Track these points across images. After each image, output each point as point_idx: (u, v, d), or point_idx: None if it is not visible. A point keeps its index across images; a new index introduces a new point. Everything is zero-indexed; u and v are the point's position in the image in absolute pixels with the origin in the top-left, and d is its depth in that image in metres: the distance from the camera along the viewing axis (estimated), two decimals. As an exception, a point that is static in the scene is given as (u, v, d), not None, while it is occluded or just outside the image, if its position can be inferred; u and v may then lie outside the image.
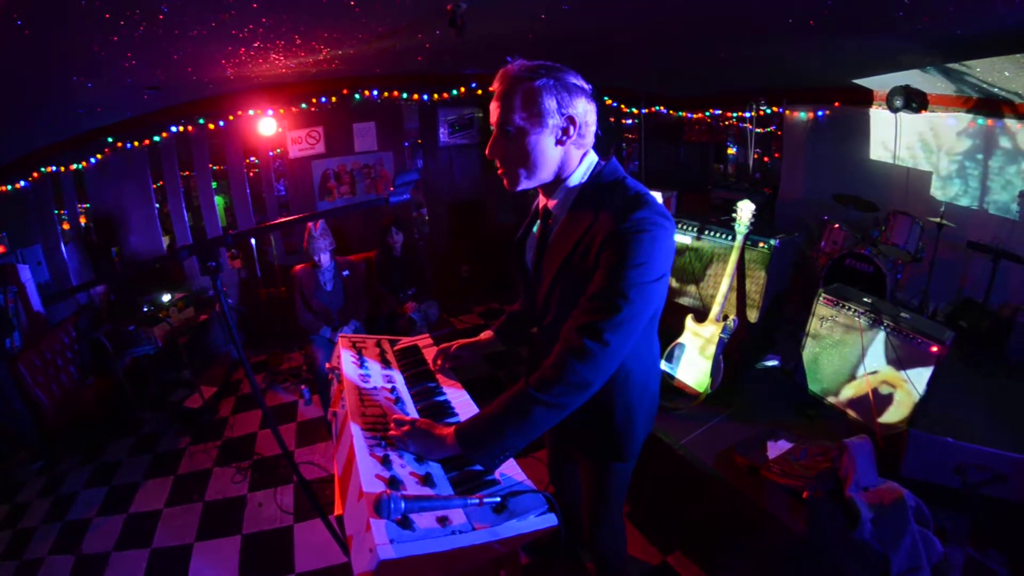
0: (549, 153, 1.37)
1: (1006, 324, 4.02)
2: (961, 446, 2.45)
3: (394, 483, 1.17)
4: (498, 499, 1.16)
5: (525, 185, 1.42)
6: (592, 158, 1.46)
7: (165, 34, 2.98)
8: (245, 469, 3.53)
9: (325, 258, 4.00)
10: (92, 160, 4.83)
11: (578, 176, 1.43)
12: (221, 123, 5.11)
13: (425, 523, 1.07)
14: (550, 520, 1.16)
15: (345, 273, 4.20)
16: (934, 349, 2.79)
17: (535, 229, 1.59)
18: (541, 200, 1.54)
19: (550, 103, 1.31)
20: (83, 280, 4.91)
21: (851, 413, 3.12)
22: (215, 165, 5.56)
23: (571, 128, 1.35)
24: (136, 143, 4.89)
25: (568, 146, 1.39)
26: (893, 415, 2.91)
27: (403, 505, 1.05)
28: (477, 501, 1.14)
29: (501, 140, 1.38)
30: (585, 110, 1.37)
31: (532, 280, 1.59)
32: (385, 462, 1.25)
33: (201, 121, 5.03)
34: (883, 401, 2.97)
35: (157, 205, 5.31)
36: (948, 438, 2.49)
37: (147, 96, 4.28)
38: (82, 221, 5.21)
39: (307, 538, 2.92)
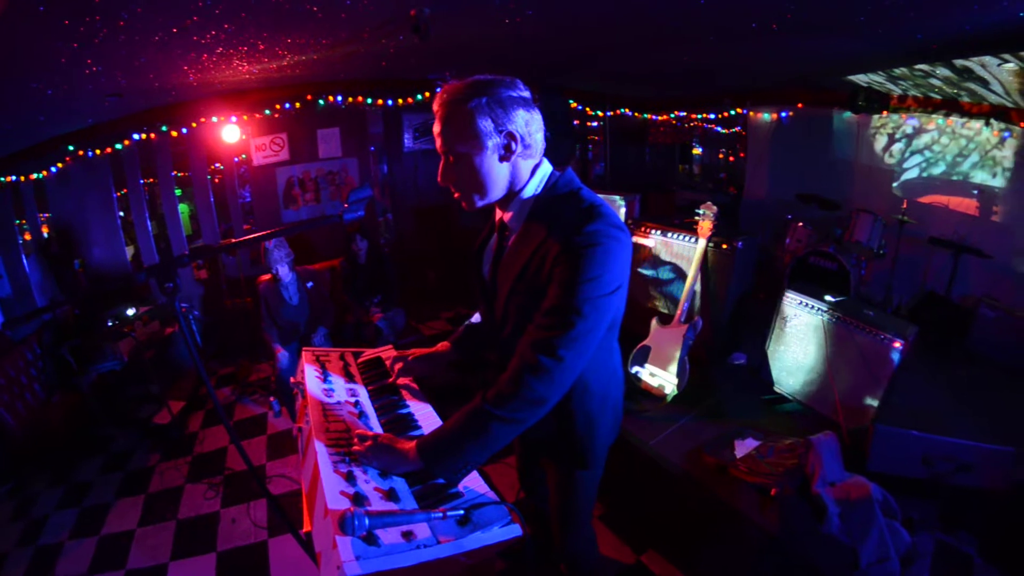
0: (496, 172, 1.36)
1: (968, 316, 4.17)
2: (926, 438, 2.53)
3: (359, 499, 1.16)
4: (462, 512, 1.16)
5: (482, 205, 1.42)
6: (546, 169, 1.45)
7: (126, 40, 2.91)
8: (217, 485, 3.47)
9: (284, 270, 3.93)
10: (53, 169, 4.70)
11: (532, 188, 1.42)
12: (184, 130, 5.02)
13: (390, 538, 1.07)
14: (514, 531, 1.17)
15: (309, 285, 4.16)
16: (897, 344, 2.87)
17: (492, 241, 1.59)
18: (497, 213, 1.53)
19: (485, 124, 1.30)
20: (46, 293, 4.76)
21: (817, 409, 3.19)
22: (178, 172, 5.46)
23: (513, 144, 1.34)
24: (98, 151, 4.78)
25: (514, 160, 1.37)
26: (858, 411, 2.98)
27: (367, 522, 1.05)
28: (441, 515, 1.14)
29: (448, 167, 1.38)
30: (526, 121, 1.35)
31: (489, 292, 1.58)
32: (349, 478, 1.24)
33: (164, 128, 4.93)
34: (848, 397, 3.04)
35: (121, 214, 5.19)
36: (913, 431, 2.57)
37: (108, 103, 4.18)
38: (44, 231, 5.06)
39: (282, 552, 2.87)
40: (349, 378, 1.87)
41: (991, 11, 2.79)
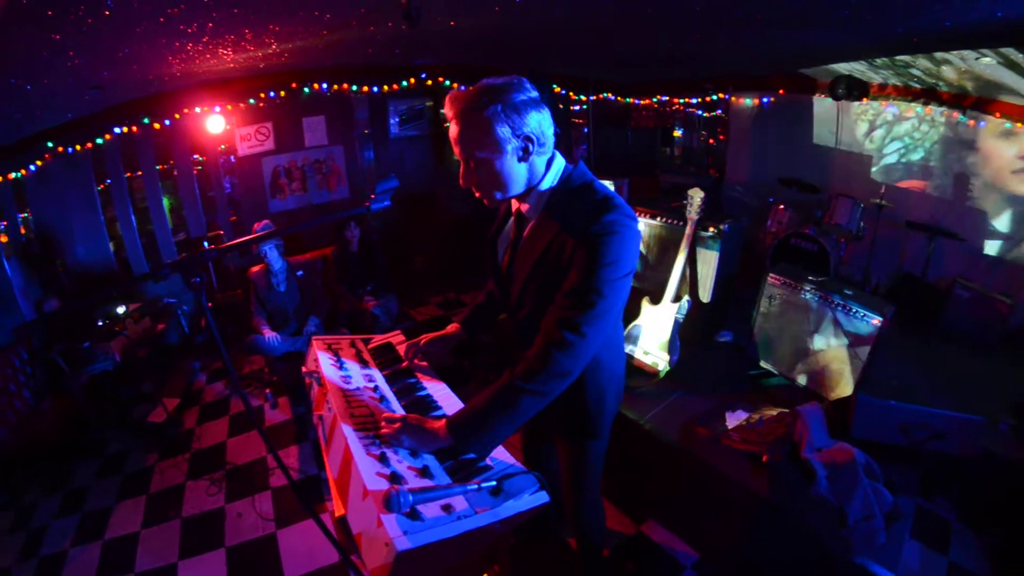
0: (516, 172, 1.44)
1: (943, 296, 4.35)
2: (904, 408, 2.68)
3: (395, 479, 1.22)
4: (494, 483, 1.23)
5: (502, 200, 1.50)
6: (560, 163, 1.53)
7: (110, 30, 2.84)
8: (219, 480, 3.46)
9: (273, 255, 4.01)
10: (32, 167, 4.57)
11: (548, 181, 1.50)
12: (167, 122, 4.92)
13: (432, 513, 1.13)
14: (543, 497, 1.25)
15: (299, 273, 4.20)
16: (876, 322, 3.02)
17: (506, 230, 1.67)
18: (514, 203, 1.61)
19: (503, 131, 1.36)
20: (29, 296, 4.60)
21: (802, 383, 3.33)
22: (159, 165, 5.36)
23: (530, 145, 1.41)
24: (78, 147, 4.66)
25: (532, 159, 1.45)
26: (841, 383, 3.13)
27: (411, 498, 1.11)
28: (476, 487, 1.21)
29: (469, 171, 1.45)
30: (539, 121, 1.41)
31: (505, 278, 1.67)
32: (383, 459, 1.29)
33: (146, 120, 4.83)
34: (831, 370, 3.19)
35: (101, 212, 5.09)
36: (892, 401, 2.72)
37: (89, 96, 4.08)
38: (21, 232, 4.92)
39: (292, 543, 2.90)
40: (363, 364, 1.92)
41: (971, 10, 2.92)
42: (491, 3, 3.32)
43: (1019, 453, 2.78)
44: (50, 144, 4.56)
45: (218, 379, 4.74)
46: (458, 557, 1.19)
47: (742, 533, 2.59)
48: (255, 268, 4.11)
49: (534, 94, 1.43)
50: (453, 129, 1.41)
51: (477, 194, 1.50)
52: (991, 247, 4.56)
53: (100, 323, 4.27)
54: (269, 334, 3.98)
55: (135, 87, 4.36)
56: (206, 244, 5.19)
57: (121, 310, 4.40)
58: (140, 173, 5.14)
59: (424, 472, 1.28)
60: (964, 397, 3.17)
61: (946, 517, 2.72)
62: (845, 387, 3.12)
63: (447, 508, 1.15)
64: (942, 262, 4.69)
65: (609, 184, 4.71)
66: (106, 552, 3.02)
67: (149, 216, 5.26)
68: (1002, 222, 4.50)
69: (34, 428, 3.73)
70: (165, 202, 5.39)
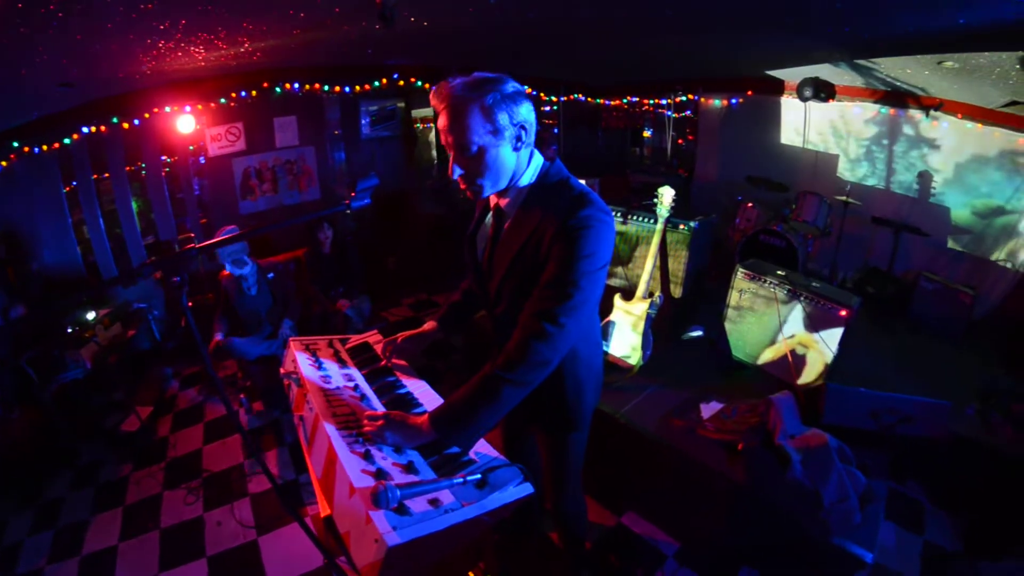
0: (508, 161, 1.48)
1: (908, 288, 4.51)
2: (872, 394, 2.78)
3: (381, 475, 1.23)
4: (479, 476, 1.26)
5: (489, 193, 1.53)
6: (539, 159, 1.57)
7: (81, 25, 2.79)
8: (196, 489, 3.40)
9: (230, 267, 3.94)
10: (-4, 169, 4.40)
11: (528, 177, 1.54)
12: (136, 121, 4.80)
13: (419, 507, 1.14)
14: (527, 489, 1.28)
15: (270, 276, 4.14)
16: (843, 313, 3.12)
17: (487, 224, 1.69)
18: (492, 199, 1.64)
19: (503, 118, 1.40)
20: None
21: (773, 373, 3.42)
22: (127, 166, 5.23)
23: (523, 134, 1.46)
24: (45, 147, 4.50)
25: (521, 149, 1.49)
26: (811, 373, 3.23)
27: (399, 493, 1.12)
28: (461, 480, 1.23)
29: (462, 160, 1.46)
30: (529, 111, 1.47)
31: (484, 273, 1.70)
32: (367, 457, 1.30)
33: (115, 120, 4.70)
34: (801, 362, 3.28)
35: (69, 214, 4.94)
36: (861, 388, 2.82)
37: (57, 94, 3.97)
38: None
39: (274, 549, 2.87)
40: (342, 364, 1.92)
41: (936, 16, 3.07)
42: (466, 4, 3.33)
43: (985, 436, 2.91)
44: (15, 144, 4.39)
45: (191, 385, 4.65)
46: (446, 551, 1.21)
47: (721, 520, 2.66)
48: (226, 272, 4.03)
49: (520, 87, 1.47)
50: (444, 119, 1.42)
51: (463, 186, 1.52)
52: (954, 241, 4.75)
53: (69, 329, 4.12)
54: (219, 335, 3.91)
55: (104, 85, 4.26)
56: (177, 247, 5.10)
57: (91, 316, 4.25)
58: (108, 175, 5.01)
59: (409, 468, 1.29)
60: (931, 383, 3.30)
61: (918, 499, 2.83)
62: (815, 378, 3.21)
63: (434, 502, 1.17)
64: (907, 256, 4.87)
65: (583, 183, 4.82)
66: (84, 568, 2.93)
67: (117, 219, 5.13)
68: (963, 217, 4.69)
69: (3, 439, 3.59)
70: (134, 204, 5.27)
